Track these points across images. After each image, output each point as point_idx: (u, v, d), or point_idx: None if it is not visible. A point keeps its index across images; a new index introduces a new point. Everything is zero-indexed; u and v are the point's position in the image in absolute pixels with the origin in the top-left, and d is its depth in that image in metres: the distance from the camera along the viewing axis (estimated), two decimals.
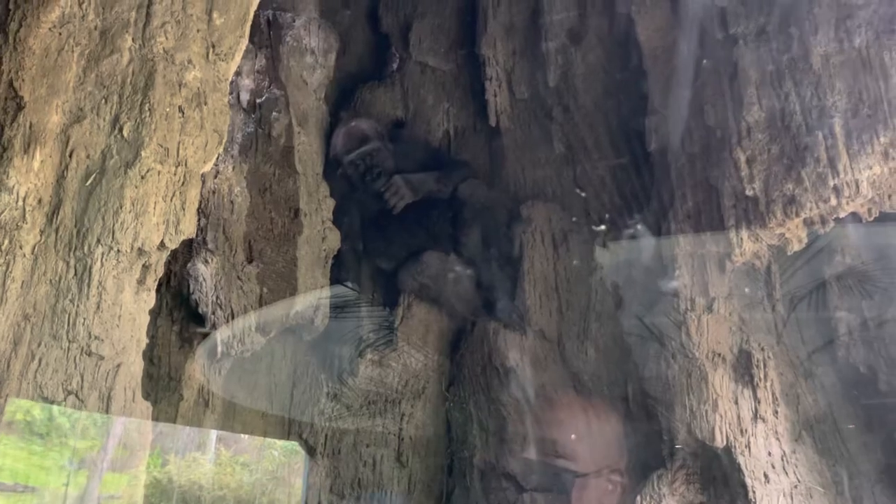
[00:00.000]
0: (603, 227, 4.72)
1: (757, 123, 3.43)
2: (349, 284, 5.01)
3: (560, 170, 4.98)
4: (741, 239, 3.55)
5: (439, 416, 4.88)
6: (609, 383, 4.39)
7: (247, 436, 6.27)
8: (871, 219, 3.30)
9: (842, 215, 3.26)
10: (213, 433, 5.54)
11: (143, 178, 2.39)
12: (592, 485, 3.89)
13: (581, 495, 3.86)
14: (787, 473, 3.51)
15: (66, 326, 2.23)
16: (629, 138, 4.60)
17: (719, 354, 3.74)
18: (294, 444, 5.25)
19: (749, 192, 3.42)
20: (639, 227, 4.46)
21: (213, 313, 3.93)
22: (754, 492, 3.43)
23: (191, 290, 3.96)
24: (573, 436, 4.08)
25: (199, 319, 4.01)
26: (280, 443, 6.08)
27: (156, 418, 3.82)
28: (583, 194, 4.88)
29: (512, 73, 5.12)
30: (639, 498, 3.69)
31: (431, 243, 5.05)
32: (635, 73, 4.53)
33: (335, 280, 4.85)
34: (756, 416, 3.59)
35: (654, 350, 4.06)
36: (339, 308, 4.91)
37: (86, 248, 2.31)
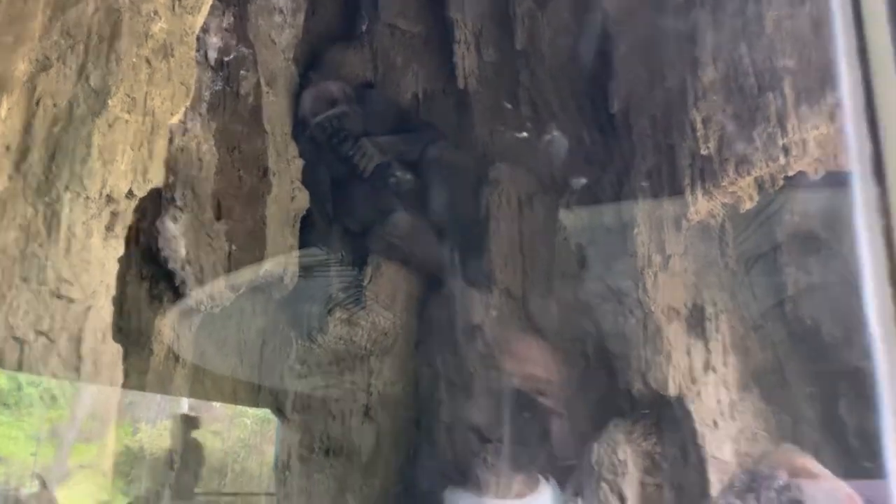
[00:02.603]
0: (567, 188, 4.83)
1: (712, 85, 3.54)
2: (318, 244, 5.09)
3: (526, 133, 5.07)
4: (696, 197, 3.67)
5: (407, 372, 5.02)
6: (571, 339, 4.54)
7: (218, 404, 6.36)
8: (818, 178, 3.44)
9: (790, 174, 3.40)
10: (185, 401, 5.62)
11: (110, 126, 2.44)
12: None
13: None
14: (734, 420, 3.69)
15: (35, 270, 2.28)
16: (594, 101, 4.70)
17: (674, 309, 3.89)
18: (266, 412, 5.34)
19: (704, 152, 3.54)
20: (601, 188, 4.58)
21: (183, 269, 3.99)
22: (703, 437, 3.60)
23: (160, 247, 4.01)
24: (531, 372, 4.23)
25: (169, 276, 4.07)
26: (252, 411, 6.18)
27: (126, 373, 3.89)
28: (549, 157, 4.99)
29: (480, 36, 5.18)
30: (595, 445, 3.85)
31: (400, 205, 5.14)
32: (601, 36, 4.62)
33: (304, 240, 4.93)
34: (707, 366, 3.75)
35: (613, 306, 4.21)
36: (308, 267, 4.99)
37: (54, 193, 2.36)
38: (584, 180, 4.74)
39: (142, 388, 4.10)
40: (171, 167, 4.07)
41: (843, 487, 2.95)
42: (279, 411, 4.96)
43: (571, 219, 4.77)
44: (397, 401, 4.89)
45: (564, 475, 4.07)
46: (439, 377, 4.84)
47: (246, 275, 4.33)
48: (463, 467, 4.01)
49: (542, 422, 4.08)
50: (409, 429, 4.80)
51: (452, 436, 4.68)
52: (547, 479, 3.99)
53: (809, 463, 3.06)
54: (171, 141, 4.13)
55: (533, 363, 4.31)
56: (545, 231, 4.85)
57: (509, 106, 5.11)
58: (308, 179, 4.91)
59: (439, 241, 5.13)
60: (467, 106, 5.29)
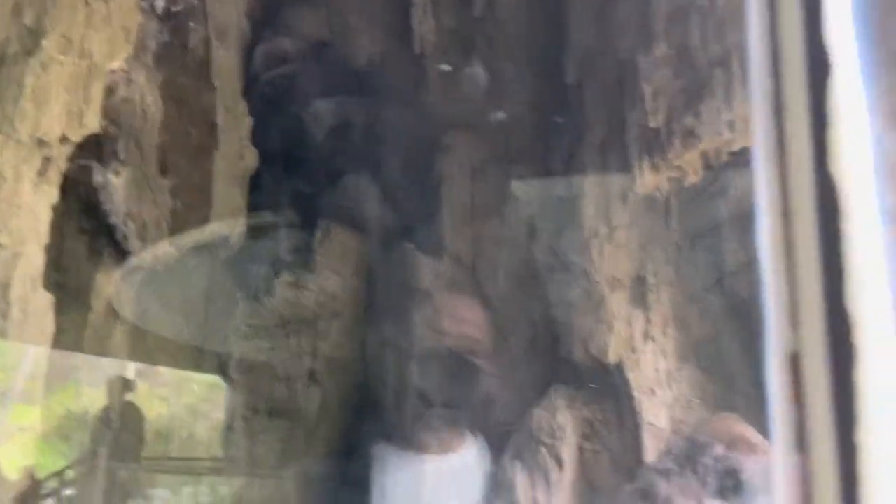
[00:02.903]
0: (520, 157, 4.85)
1: (664, 58, 3.57)
2: (267, 205, 5.02)
3: (481, 100, 5.05)
4: (643, 170, 3.72)
5: (355, 336, 5.01)
6: (519, 306, 4.59)
7: (166, 369, 6.26)
8: None
9: (735, 149, 3.46)
10: (132, 365, 5.52)
11: (44, 67, 2.35)
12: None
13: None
14: (671, 388, 3.79)
15: None
16: (549, 71, 4.70)
17: (618, 280, 3.95)
18: (215, 378, 5.28)
19: (653, 124, 3.58)
20: (553, 158, 4.61)
21: (125, 224, 3.89)
22: (640, 404, 3.69)
23: (101, 200, 3.90)
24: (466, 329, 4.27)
25: (110, 230, 3.97)
26: (199, 376, 6.10)
27: (63, 328, 3.80)
28: (502, 125, 4.98)
29: (438, 2, 5.11)
30: (536, 410, 3.92)
31: (352, 168, 5.09)
32: (558, 7, 4.61)
33: (253, 200, 4.85)
34: (647, 336, 3.84)
35: (560, 276, 4.26)
36: (256, 228, 4.93)
37: None
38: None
39: (79, 344, 4.01)
40: (113, 118, 3.95)
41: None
42: (223, 373, 4.91)
43: (523, 189, 4.80)
44: (344, 365, 4.88)
45: (505, 439, 4.14)
46: (387, 342, 4.85)
47: (191, 232, 4.25)
48: (408, 431, 4.04)
49: (472, 380, 4.13)
50: (356, 393, 4.80)
51: (399, 400, 4.70)
52: (475, 435, 4.03)
53: (748, 432, 3.14)
54: (114, 91, 4.01)
55: (466, 323, 4.34)
56: (497, 199, 4.87)
57: (465, 73, 5.08)
58: (258, 138, 4.83)
59: (390, 206, 5.10)
60: (423, 71, 5.24)
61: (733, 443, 3.18)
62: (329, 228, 5.02)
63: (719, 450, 3.09)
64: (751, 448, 3.22)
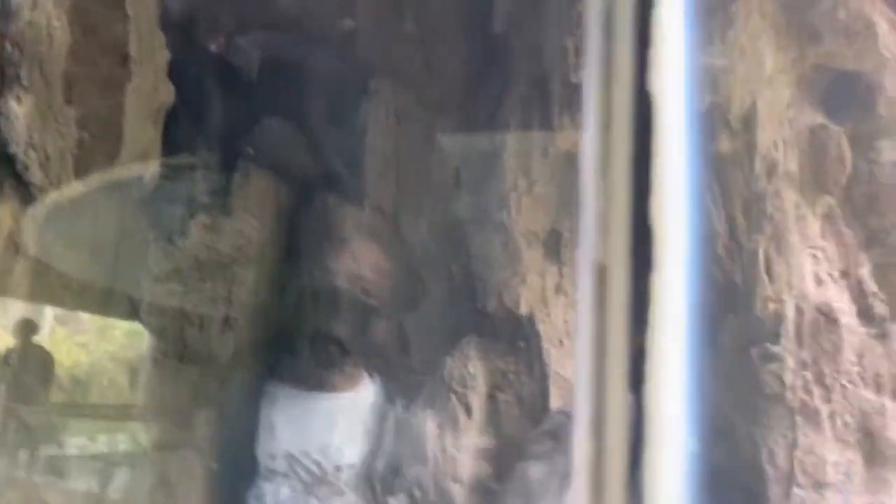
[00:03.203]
0: (446, 107, 4.81)
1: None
2: (184, 144, 4.85)
3: (410, 49, 4.97)
4: (563, 125, 3.76)
5: (272, 283, 4.94)
6: (439, 256, 4.61)
7: (86, 315, 6.05)
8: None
9: None
10: (50, 310, 5.32)
11: None
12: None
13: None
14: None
15: None
16: (478, 21, 4.65)
17: (534, 233, 4.01)
18: (138, 326, 5.13)
19: (574, 80, 3.60)
20: (479, 110, 4.60)
21: (25, 154, 3.70)
22: (549, 354, 3.79)
23: (1, 129, 3.69)
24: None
25: (10, 160, 3.77)
26: (123, 323, 5.92)
27: None
28: (430, 73, 4.92)
29: None
30: (448, 359, 3.98)
31: (275, 109, 4.95)
32: None
33: (169, 137, 4.67)
34: (559, 289, 3.92)
35: (480, 227, 4.29)
36: (172, 167, 4.76)
37: None
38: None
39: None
40: (16, 42, 3.72)
41: None
42: (134, 315, 4.78)
43: (449, 140, 4.78)
44: (260, 311, 4.82)
45: (418, 387, 4.19)
46: (305, 289, 4.81)
47: (100, 167, 4.08)
48: (305, 370, 4.05)
49: (366, 319, 4.16)
50: (271, 339, 4.76)
51: (315, 347, 4.69)
52: (371, 376, 4.08)
53: None
54: (18, 14, 3.77)
55: (362, 264, 4.35)
56: (422, 149, 4.84)
57: (395, 19, 4.98)
58: (176, 73, 4.63)
59: (313, 152, 5.01)
60: (353, 16, 5.11)
61: None
62: (248, 171, 4.90)
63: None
64: None
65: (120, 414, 5.43)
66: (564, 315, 3.88)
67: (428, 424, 3.81)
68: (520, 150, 4.07)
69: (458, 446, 3.71)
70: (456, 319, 4.39)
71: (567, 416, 3.57)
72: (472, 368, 3.90)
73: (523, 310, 3.85)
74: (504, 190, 4.07)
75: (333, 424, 3.48)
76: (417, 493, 3.64)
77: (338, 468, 3.44)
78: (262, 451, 3.40)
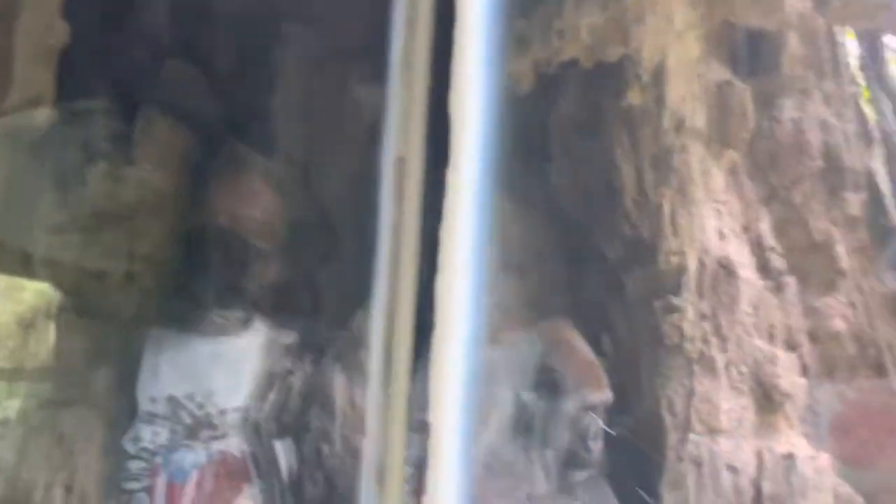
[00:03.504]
0: (361, 55, 4.67)
1: None
2: (82, 87, 4.55)
3: None
4: None
5: (177, 235, 4.74)
6: (350, 207, 4.51)
7: None
8: (590, 66, 3.57)
9: (564, 58, 3.49)
10: None
11: None
12: None
13: None
14: (491, 295, 3.90)
15: None
16: None
17: None
18: (47, 287, 4.84)
19: None
20: (394, 57, 4.47)
21: None
22: None
23: None
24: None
25: None
26: (32, 284, 5.59)
27: None
28: (345, 21, 4.76)
29: None
30: (359, 311, 3.92)
31: (180, 53, 4.70)
32: None
33: (64, 79, 4.37)
34: None
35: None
36: (68, 112, 4.46)
37: None
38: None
39: None
40: None
41: (591, 363, 3.29)
42: (27, 269, 4.53)
43: (364, 90, 4.65)
44: (163, 263, 4.63)
45: (328, 341, 4.13)
46: (210, 241, 4.64)
47: None
48: (210, 321, 3.94)
49: (253, 262, 4.07)
50: (175, 293, 4.58)
51: (222, 300, 4.55)
52: (265, 322, 4.01)
53: (573, 337, 3.36)
54: None
55: (251, 205, 4.23)
56: (336, 99, 4.70)
57: None
58: (71, 11, 4.31)
59: (221, 99, 4.79)
60: None
61: (556, 344, 3.35)
62: (151, 118, 4.65)
63: (541, 347, 3.26)
64: (571, 351, 3.40)
65: (15, 372, 5.17)
66: None
67: (336, 378, 3.76)
68: None
69: (366, 399, 3.68)
70: (369, 272, 4.33)
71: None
72: None
73: None
74: None
75: (220, 368, 3.40)
76: (325, 447, 3.60)
77: (222, 412, 3.37)
78: (143, 394, 3.31)
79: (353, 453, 3.93)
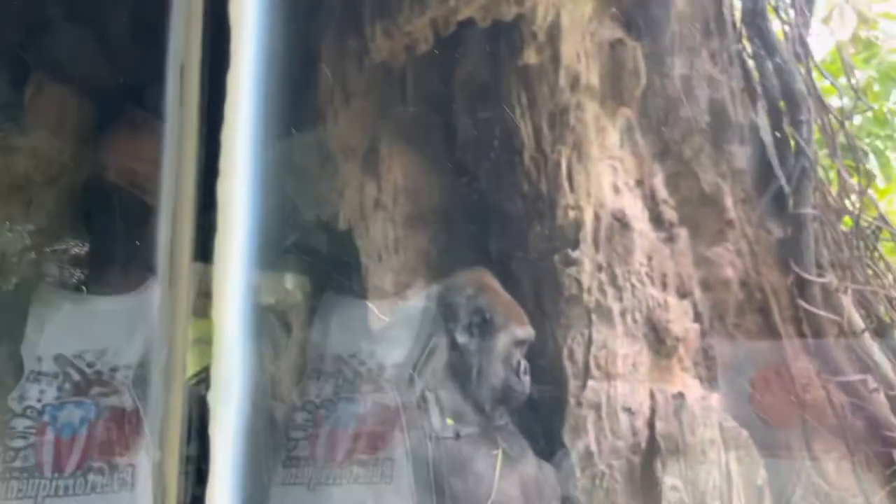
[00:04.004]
0: None
1: None
2: None
3: None
4: (376, 35, 3.68)
5: (76, 206, 4.59)
6: (259, 172, 4.45)
7: None
8: (487, 24, 3.60)
9: (460, 18, 3.51)
10: None
11: None
12: None
13: None
14: (398, 254, 3.95)
15: None
16: None
17: (351, 148, 3.96)
18: None
19: None
20: (295, 19, 4.40)
21: None
22: (367, 269, 3.82)
23: None
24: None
25: None
26: None
27: None
28: None
29: None
30: (268, 275, 3.91)
31: (68, 14, 4.49)
32: None
33: None
34: (377, 204, 3.93)
35: (297, 143, 4.18)
36: None
37: None
38: None
39: None
40: None
41: (513, 303, 3.42)
42: None
43: None
44: (65, 233, 4.48)
45: None
46: (112, 212, 4.50)
47: None
48: (101, 278, 3.87)
49: (141, 217, 4.00)
50: (72, 257, 4.45)
51: (126, 270, 4.44)
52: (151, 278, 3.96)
53: (494, 283, 3.49)
54: None
55: (138, 158, 4.14)
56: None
57: None
58: None
59: (118, 63, 4.61)
60: None
61: (482, 288, 3.49)
62: (42, 84, 4.44)
63: (469, 291, 3.39)
64: (495, 293, 3.56)
65: None
66: (383, 230, 3.91)
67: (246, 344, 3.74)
68: (335, 61, 3.96)
69: (277, 364, 3.69)
70: (278, 235, 4.31)
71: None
72: (290, 284, 3.86)
73: (342, 225, 3.84)
74: (319, 103, 3.98)
75: (111, 326, 3.35)
76: None
77: (113, 369, 3.33)
78: (29, 354, 3.22)
79: (270, 420, 3.95)
